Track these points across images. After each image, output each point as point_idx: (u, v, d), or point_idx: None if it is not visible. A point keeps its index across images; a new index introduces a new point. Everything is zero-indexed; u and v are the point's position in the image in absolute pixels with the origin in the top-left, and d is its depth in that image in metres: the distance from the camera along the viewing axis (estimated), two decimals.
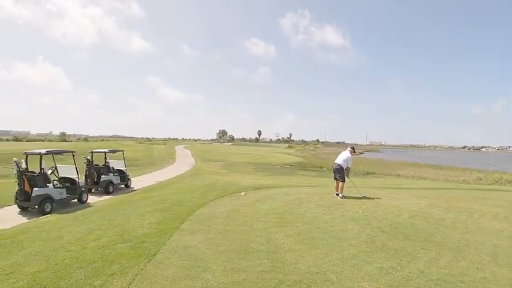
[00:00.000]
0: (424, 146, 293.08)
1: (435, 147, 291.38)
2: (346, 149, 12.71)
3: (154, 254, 6.16)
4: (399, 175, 34.66)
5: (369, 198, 12.20)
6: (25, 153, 13.65)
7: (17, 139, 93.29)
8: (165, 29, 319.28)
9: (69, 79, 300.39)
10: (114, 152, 21.00)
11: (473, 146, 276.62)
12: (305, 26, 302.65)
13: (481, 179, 31.03)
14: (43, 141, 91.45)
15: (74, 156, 14.98)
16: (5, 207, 12.98)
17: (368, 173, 36.26)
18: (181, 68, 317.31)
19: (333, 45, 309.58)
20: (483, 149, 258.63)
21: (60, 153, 15.29)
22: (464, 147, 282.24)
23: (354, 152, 12.74)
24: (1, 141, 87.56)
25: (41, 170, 13.30)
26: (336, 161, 12.45)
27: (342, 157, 12.33)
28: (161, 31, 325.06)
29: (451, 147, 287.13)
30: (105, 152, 19.35)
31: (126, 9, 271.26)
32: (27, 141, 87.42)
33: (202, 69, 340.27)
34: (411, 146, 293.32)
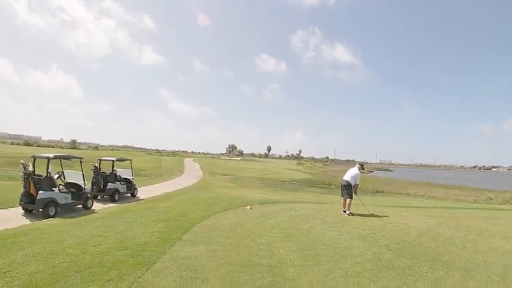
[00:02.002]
0: (435, 166, 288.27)
1: (446, 166, 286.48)
2: (354, 166, 12.51)
3: (154, 263, 6.06)
4: (409, 194, 34.23)
5: (377, 216, 11.93)
6: (33, 156, 13.76)
7: (27, 143, 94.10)
8: (176, 43, 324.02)
9: (81, 88, 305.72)
10: (122, 160, 21.08)
11: (484, 166, 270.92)
12: (315, 44, 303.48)
13: (491, 199, 30.60)
14: (53, 147, 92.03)
15: (81, 162, 15.11)
16: (9, 208, 13.12)
17: (377, 192, 35.92)
18: (192, 83, 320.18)
19: (343, 63, 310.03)
20: (494, 169, 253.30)
21: (68, 159, 15.33)
22: (475, 166, 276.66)
23: (363, 169, 12.54)
24: (12, 144, 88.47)
25: (47, 174, 13.35)
26: (344, 178, 12.23)
27: (350, 174, 12.12)
28: (172, 45, 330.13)
29: (462, 167, 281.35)
30: (112, 161, 19.41)
31: (139, 22, 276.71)
32: (37, 146, 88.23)
33: (213, 84, 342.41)
34: (421, 165, 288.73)
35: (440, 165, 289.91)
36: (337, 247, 7.45)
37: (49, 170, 13.48)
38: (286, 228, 9.15)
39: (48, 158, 13.48)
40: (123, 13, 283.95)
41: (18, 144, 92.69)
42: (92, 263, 5.97)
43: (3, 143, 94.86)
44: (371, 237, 8.48)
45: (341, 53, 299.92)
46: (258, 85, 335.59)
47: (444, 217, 12.85)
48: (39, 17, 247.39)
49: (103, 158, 19.68)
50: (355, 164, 12.96)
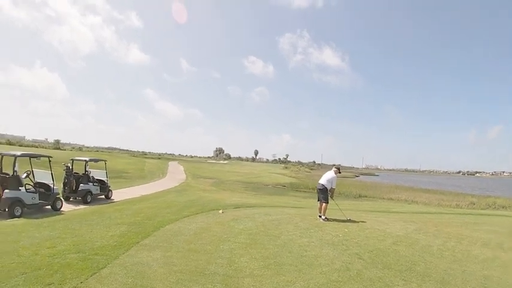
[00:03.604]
0: (420, 171, 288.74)
1: (430, 171, 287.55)
2: (330, 169, 12.08)
3: (102, 268, 5.70)
4: (391, 198, 34.04)
5: (354, 221, 11.55)
6: (0, 154, 13.43)
7: (10, 143, 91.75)
8: (163, 42, 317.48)
9: (66, 87, 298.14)
10: (96, 161, 20.54)
11: (467, 171, 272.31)
12: (303, 47, 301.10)
13: (474, 204, 30.53)
14: (37, 147, 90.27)
15: (50, 161, 14.75)
16: None
17: (360, 196, 35.79)
18: (179, 83, 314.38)
19: (331, 67, 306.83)
20: (477, 174, 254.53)
21: (36, 157, 14.82)
22: (459, 172, 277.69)
23: (339, 172, 12.11)
24: None
25: (13, 172, 12.90)
26: (319, 181, 11.82)
27: (326, 177, 11.70)
28: (159, 44, 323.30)
29: (446, 172, 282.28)
30: (86, 161, 18.72)
31: (125, 19, 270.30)
32: (20, 145, 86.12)
33: (200, 85, 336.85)
34: (406, 170, 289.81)
35: (425, 170, 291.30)
36: (304, 255, 6.98)
37: (15, 169, 12.98)
38: (254, 234, 8.69)
39: (15, 156, 13.02)
40: (109, 10, 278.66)
41: (0, 143, 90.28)
42: (40, 265, 5.71)
43: None
44: (343, 245, 8.06)
45: (329, 56, 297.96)
46: (246, 87, 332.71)
47: (424, 223, 12.57)
48: (23, 11, 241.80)
49: (76, 158, 19.12)
50: (336, 168, 12.45)
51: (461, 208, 27.16)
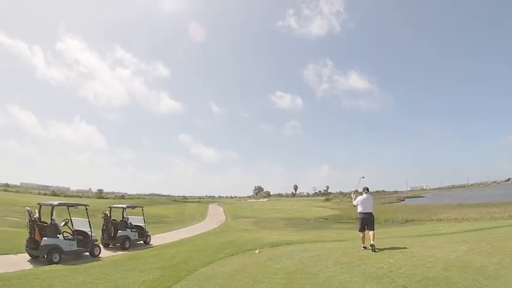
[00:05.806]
0: (468, 185, 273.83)
1: (479, 184, 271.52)
2: (367, 194, 11.38)
3: None
4: (440, 219, 31.91)
5: (400, 249, 10.75)
6: (39, 203, 14.21)
7: (54, 194, 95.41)
8: (190, 88, 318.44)
9: (105, 138, 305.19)
10: (133, 207, 20.99)
11: None
12: (328, 75, 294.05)
13: None
14: (81, 197, 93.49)
15: (87, 209, 15.27)
16: (18, 254, 13.43)
17: (407, 221, 33.78)
18: (212, 126, 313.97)
19: (359, 90, 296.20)
20: None
21: (73, 206, 15.65)
22: (508, 179, 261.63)
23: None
24: (39, 195, 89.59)
25: (51, 221, 13.45)
26: (367, 210, 11.15)
27: (370, 203, 11.24)
28: (187, 91, 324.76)
29: (495, 182, 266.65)
30: (123, 208, 19.20)
31: (153, 70, 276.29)
32: (64, 196, 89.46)
33: (232, 126, 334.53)
34: (453, 186, 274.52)
35: (473, 184, 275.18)
36: None
37: (53, 217, 13.48)
38: (291, 273, 8.21)
39: (52, 205, 13.69)
40: (136, 62, 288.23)
41: (45, 194, 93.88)
42: None
43: (30, 193, 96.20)
44: (388, 277, 7.39)
45: (355, 80, 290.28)
46: (277, 123, 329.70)
47: (476, 241, 11.56)
48: (56, 70, 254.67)
49: (113, 206, 19.75)
50: (363, 192, 11.66)
51: None
